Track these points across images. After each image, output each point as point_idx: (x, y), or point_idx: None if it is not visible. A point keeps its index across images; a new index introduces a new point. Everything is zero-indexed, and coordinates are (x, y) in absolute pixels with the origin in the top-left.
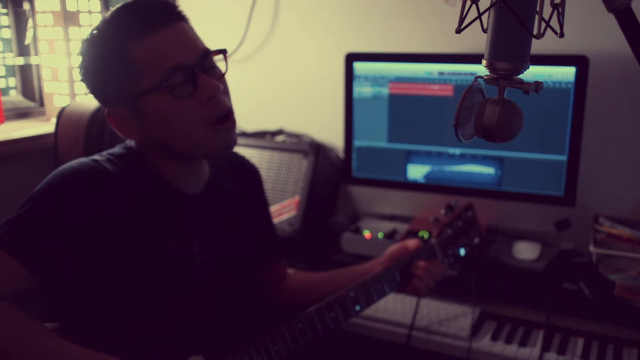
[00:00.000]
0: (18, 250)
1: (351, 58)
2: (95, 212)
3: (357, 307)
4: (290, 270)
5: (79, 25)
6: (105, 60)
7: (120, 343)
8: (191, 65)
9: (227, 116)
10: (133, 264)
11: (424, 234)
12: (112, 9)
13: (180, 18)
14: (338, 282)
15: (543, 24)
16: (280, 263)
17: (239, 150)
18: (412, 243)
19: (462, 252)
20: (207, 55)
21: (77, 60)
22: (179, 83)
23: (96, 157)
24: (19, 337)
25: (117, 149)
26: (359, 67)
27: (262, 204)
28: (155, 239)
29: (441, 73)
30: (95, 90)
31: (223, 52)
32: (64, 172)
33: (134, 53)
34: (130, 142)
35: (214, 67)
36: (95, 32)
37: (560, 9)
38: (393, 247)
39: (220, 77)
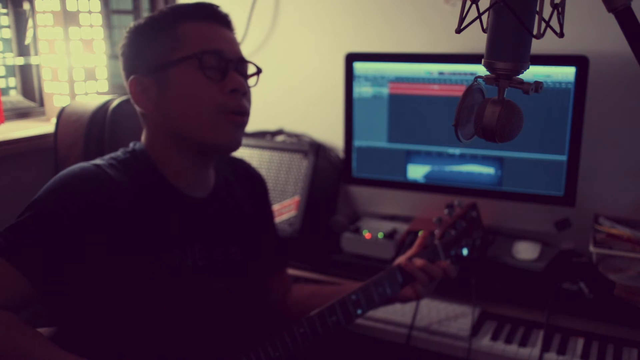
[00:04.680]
0: (18, 258)
1: (351, 58)
2: (96, 218)
3: (359, 311)
4: (299, 286)
5: (79, 25)
6: (155, 30)
7: (119, 348)
8: (227, 59)
9: (241, 114)
10: (134, 268)
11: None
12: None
13: (233, 29)
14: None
15: (543, 24)
16: (284, 272)
17: (240, 151)
18: (415, 244)
19: (465, 252)
20: (244, 61)
21: (126, 31)
22: (212, 65)
23: (98, 161)
24: (16, 346)
25: (119, 154)
26: (359, 67)
27: (267, 212)
28: (157, 243)
29: (441, 73)
30: (133, 56)
31: (258, 70)
32: (65, 177)
33: (183, 29)
34: (134, 145)
35: (245, 76)
36: (154, 14)
37: (560, 9)
38: (398, 260)
39: (248, 87)
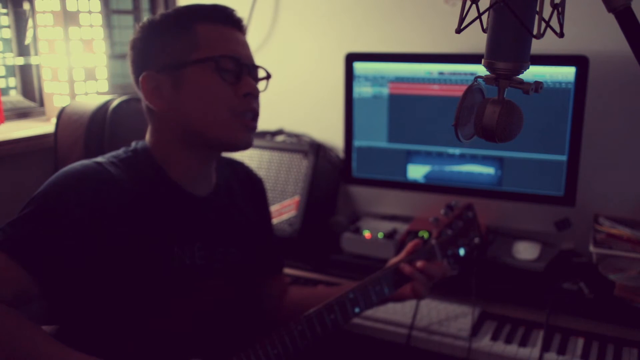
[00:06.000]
0: (19, 253)
1: (351, 58)
2: (97, 214)
3: (357, 310)
4: (293, 288)
5: (79, 25)
6: (171, 28)
7: (119, 345)
8: (243, 64)
9: (253, 118)
10: (134, 265)
11: (424, 234)
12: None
13: (245, 33)
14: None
15: (543, 24)
16: (281, 274)
17: (241, 153)
18: (409, 246)
19: (462, 252)
20: (256, 66)
21: (139, 25)
22: (228, 69)
23: (99, 159)
24: (17, 341)
25: (120, 153)
26: (359, 67)
27: (265, 215)
28: (158, 241)
29: (441, 73)
30: (145, 51)
31: (268, 75)
32: (66, 174)
33: (201, 29)
34: (136, 144)
35: (257, 80)
36: (169, 12)
37: (560, 9)
38: (392, 260)
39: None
